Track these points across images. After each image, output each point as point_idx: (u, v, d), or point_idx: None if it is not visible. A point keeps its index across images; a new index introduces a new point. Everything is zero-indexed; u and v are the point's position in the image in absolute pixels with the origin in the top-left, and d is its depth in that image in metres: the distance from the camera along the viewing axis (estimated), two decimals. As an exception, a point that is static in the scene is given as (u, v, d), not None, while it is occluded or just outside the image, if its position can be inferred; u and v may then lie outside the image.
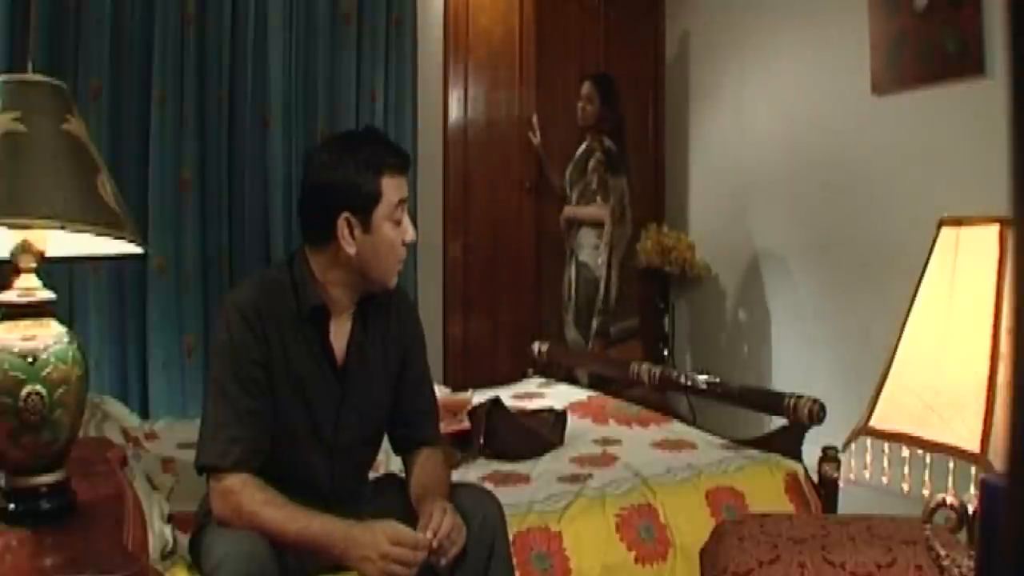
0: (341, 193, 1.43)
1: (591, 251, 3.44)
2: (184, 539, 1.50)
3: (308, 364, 1.46)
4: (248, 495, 1.35)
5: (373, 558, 1.27)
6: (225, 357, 1.42)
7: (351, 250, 1.44)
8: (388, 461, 1.97)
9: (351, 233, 1.43)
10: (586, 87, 3.46)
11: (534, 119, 3.73)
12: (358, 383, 1.52)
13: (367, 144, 1.47)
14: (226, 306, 1.47)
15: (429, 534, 1.32)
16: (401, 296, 1.63)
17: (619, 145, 3.44)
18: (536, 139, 3.72)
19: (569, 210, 3.50)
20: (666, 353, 3.91)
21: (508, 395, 2.70)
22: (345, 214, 1.42)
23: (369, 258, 1.45)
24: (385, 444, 1.67)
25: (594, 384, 3.08)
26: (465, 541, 1.38)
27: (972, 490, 1.17)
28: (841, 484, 2.02)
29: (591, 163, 3.41)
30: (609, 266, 3.41)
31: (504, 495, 1.65)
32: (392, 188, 1.44)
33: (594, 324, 3.41)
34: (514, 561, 1.53)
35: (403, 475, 1.72)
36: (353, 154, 1.44)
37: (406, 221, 1.48)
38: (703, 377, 2.62)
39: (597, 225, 3.42)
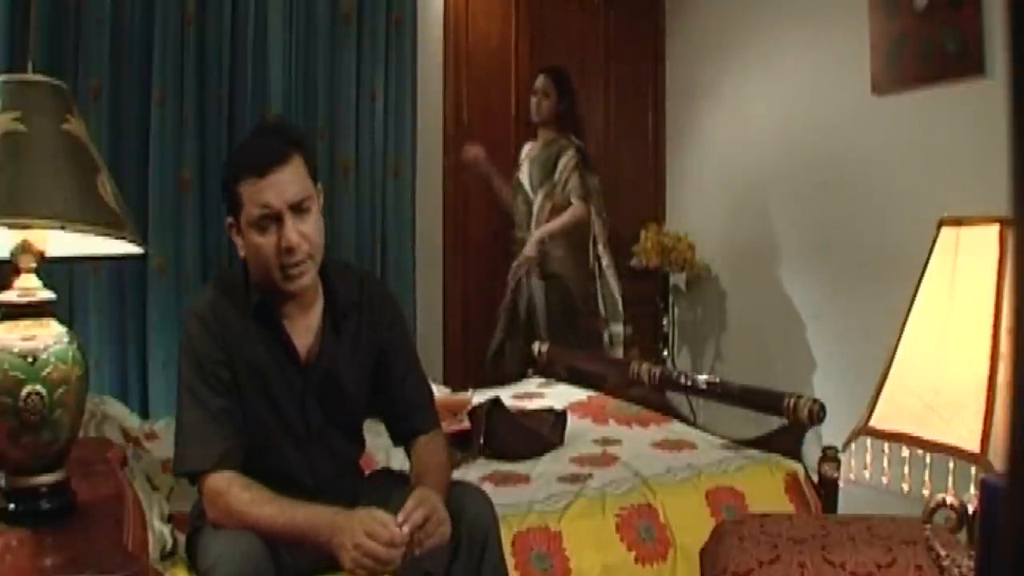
0: (221, 196, 1.47)
1: (563, 260, 3.33)
2: (184, 539, 1.50)
3: (266, 359, 1.47)
4: (235, 495, 1.35)
5: (348, 547, 1.25)
6: (190, 361, 1.44)
7: (241, 253, 1.46)
8: (388, 458, 1.97)
9: (236, 236, 1.46)
10: (542, 80, 3.35)
11: (474, 150, 3.43)
12: (323, 379, 1.51)
13: (241, 146, 1.48)
14: (188, 312, 1.51)
15: (401, 519, 1.28)
16: (379, 295, 1.62)
17: (583, 142, 3.36)
18: (473, 155, 3.42)
19: (546, 228, 3.28)
20: (666, 353, 3.91)
21: (508, 395, 2.70)
22: (228, 218, 1.46)
23: (251, 262, 1.45)
24: (385, 441, 1.67)
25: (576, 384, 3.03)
26: (454, 536, 1.36)
27: (972, 490, 1.17)
28: (841, 484, 2.02)
29: (564, 162, 3.28)
30: (607, 264, 3.38)
31: (504, 495, 1.65)
32: (252, 193, 1.38)
33: (620, 330, 3.36)
34: (508, 560, 1.53)
35: (397, 469, 1.72)
36: (231, 155, 1.50)
37: (282, 225, 1.38)
38: (703, 377, 2.62)
39: (564, 233, 3.30)
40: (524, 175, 3.42)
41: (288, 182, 1.39)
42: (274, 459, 1.48)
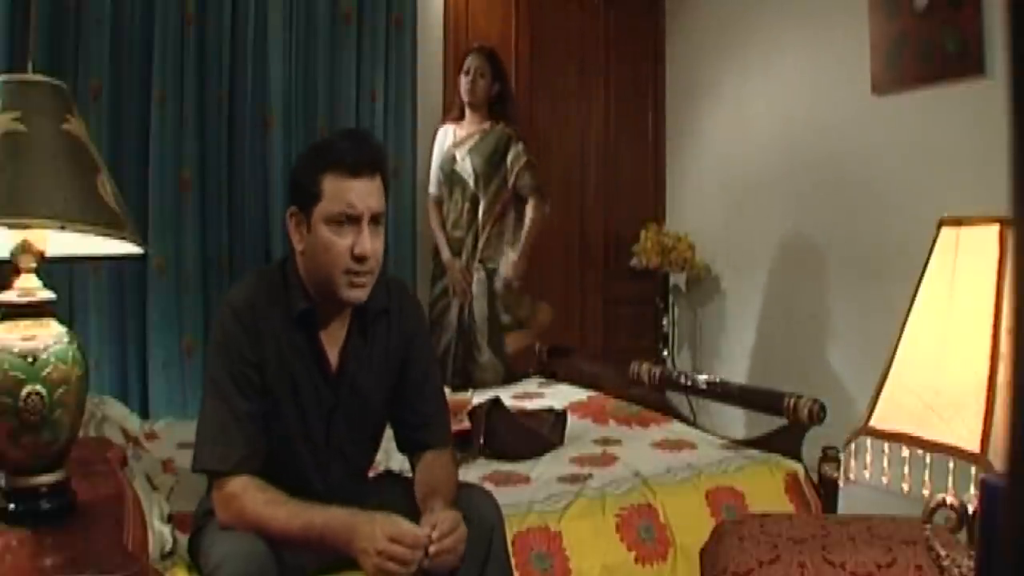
0: (292, 186, 1.45)
1: (508, 254, 3.17)
2: (184, 539, 1.50)
3: (300, 367, 1.45)
4: (250, 497, 1.34)
5: (370, 552, 1.25)
6: (221, 357, 1.42)
7: (299, 247, 1.44)
8: (388, 460, 1.97)
9: (296, 228, 1.43)
10: (476, 59, 3.15)
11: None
12: (351, 391, 1.50)
13: (332, 142, 1.44)
14: (221, 305, 1.47)
15: (429, 530, 1.28)
16: (407, 302, 1.61)
17: (517, 126, 3.23)
18: None
19: (523, 249, 3.12)
20: (666, 353, 3.91)
21: (508, 395, 2.70)
22: (292, 207, 1.43)
23: (312, 260, 1.42)
24: (385, 443, 1.66)
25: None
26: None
27: (972, 490, 1.17)
28: (841, 484, 2.02)
29: (513, 155, 3.13)
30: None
31: (504, 495, 1.65)
32: (336, 188, 1.37)
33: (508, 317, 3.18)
34: (512, 562, 1.53)
35: (403, 473, 1.71)
36: (313, 149, 1.46)
37: (359, 232, 1.38)
38: (703, 377, 2.62)
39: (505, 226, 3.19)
40: (464, 168, 3.18)
41: (373, 193, 1.40)
42: (289, 464, 1.47)
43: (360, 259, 1.38)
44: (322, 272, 1.41)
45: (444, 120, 3.35)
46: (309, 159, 1.44)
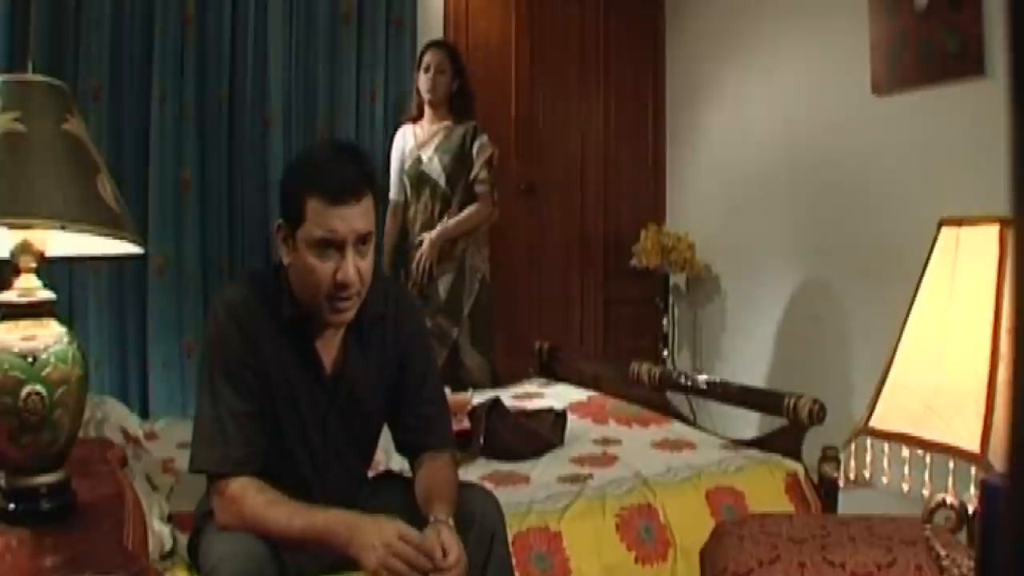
0: (280, 198, 1.42)
1: (483, 254, 3.11)
2: (184, 539, 1.50)
3: (294, 371, 1.44)
4: (250, 499, 1.34)
5: (377, 546, 1.24)
6: (215, 357, 1.41)
7: (286, 261, 1.42)
8: (388, 460, 1.97)
9: (283, 243, 1.41)
10: (435, 55, 3.03)
11: None
12: (346, 396, 1.49)
13: (317, 163, 1.39)
14: (215, 304, 1.45)
15: (437, 552, 1.26)
16: (404, 305, 1.59)
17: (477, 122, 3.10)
18: None
19: (446, 229, 2.99)
20: (666, 353, 3.91)
21: (508, 395, 2.70)
22: (279, 220, 1.41)
23: (297, 277, 1.40)
24: (385, 443, 1.66)
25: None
26: (462, 535, 1.35)
27: (972, 490, 1.17)
28: (841, 484, 2.02)
29: (480, 148, 3.03)
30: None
31: (504, 495, 1.65)
32: (319, 214, 1.33)
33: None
34: (513, 561, 1.53)
35: (403, 472, 1.71)
36: (299, 166, 1.42)
37: (343, 258, 1.34)
38: (703, 377, 2.62)
39: (463, 233, 3.05)
40: (431, 168, 3.06)
41: (358, 216, 1.35)
42: (286, 467, 1.46)
43: (343, 286, 1.36)
44: (306, 292, 1.39)
45: (401, 121, 3.22)
46: (294, 176, 1.40)
